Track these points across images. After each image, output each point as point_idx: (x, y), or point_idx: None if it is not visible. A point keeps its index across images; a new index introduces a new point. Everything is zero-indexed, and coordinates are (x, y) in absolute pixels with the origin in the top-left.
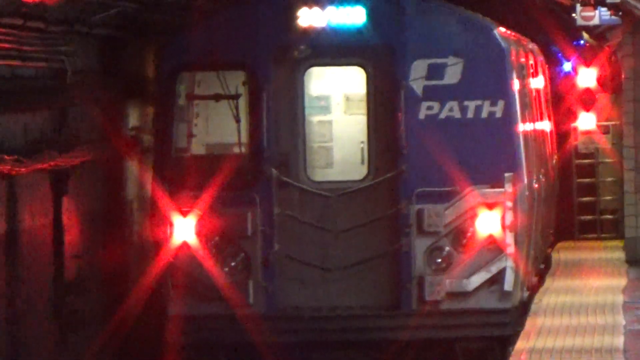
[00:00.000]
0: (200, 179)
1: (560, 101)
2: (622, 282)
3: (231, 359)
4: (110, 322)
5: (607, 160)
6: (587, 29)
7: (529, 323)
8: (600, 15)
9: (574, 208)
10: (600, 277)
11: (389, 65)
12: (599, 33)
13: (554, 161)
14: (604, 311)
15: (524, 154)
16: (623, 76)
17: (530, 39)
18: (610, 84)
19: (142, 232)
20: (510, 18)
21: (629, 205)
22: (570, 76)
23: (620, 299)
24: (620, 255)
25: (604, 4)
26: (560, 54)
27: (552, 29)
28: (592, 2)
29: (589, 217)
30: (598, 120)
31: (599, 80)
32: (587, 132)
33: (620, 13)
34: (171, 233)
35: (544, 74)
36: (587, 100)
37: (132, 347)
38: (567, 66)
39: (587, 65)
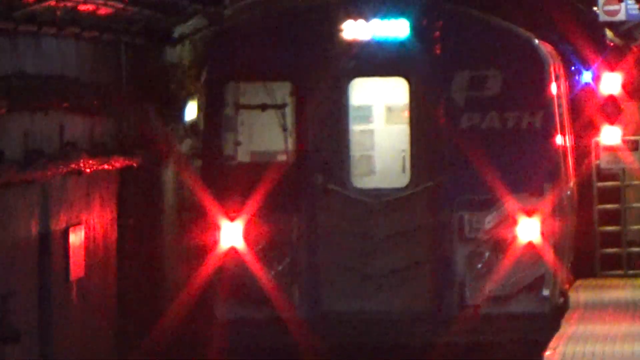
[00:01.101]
0: (247, 186)
1: (579, 112)
2: None
3: None
4: (160, 324)
5: (636, 182)
6: (612, 25)
7: None
8: (627, 10)
9: (596, 239)
10: (626, 322)
11: (432, 77)
12: (626, 31)
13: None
14: None
15: (562, 164)
16: None
17: (544, 38)
18: (638, 90)
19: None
20: (521, 14)
21: None
22: (591, 82)
23: None
24: None
25: None
26: (579, 56)
27: (570, 26)
28: None
29: (613, 250)
30: (624, 135)
31: (625, 86)
32: (611, 149)
33: None
34: (219, 238)
35: (558, 79)
36: (611, 110)
37: (179, 350)
38: (587, 72)
39: (612, 69)
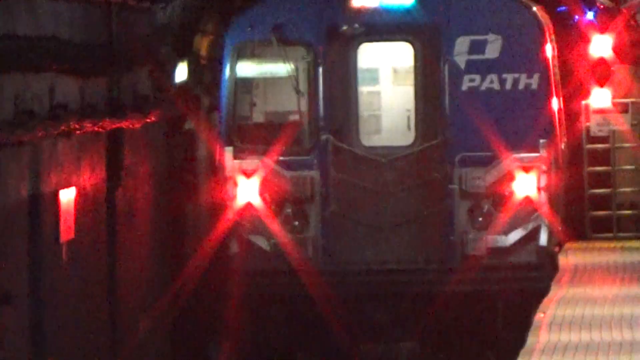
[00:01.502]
0: (262, 144)
1: (570, 74)
2: None
3: (290, 310)
4: (180, 275)
5: (625, 144)
6: None
7: (531, 340)
8: None
9: (585, 202)
10: (616, 285)
11: (435, 42)
12: None
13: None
14: (620, 326)
15: (556, 123)
16: None
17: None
18: (629, 53)
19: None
20: None
21: None
22: (580, 44)
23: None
24: None
25: None
26: (570, 18)
27: None
28: None
29: (603, 212)
30: (614, 97)
31: (615, 49)
32: (601, 111)
33: None
34: (236, 193)
35: (551, 42)
36: (602, 73)
37: (200, 298)
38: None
39: (602, 31)
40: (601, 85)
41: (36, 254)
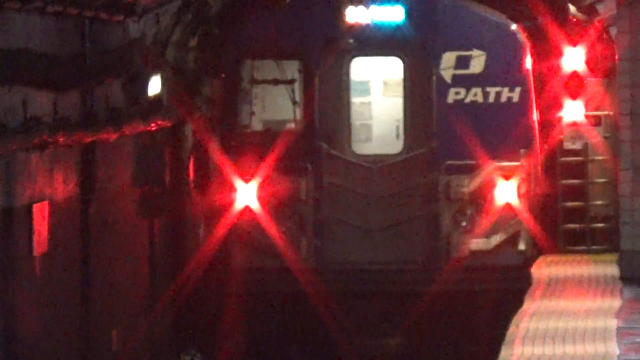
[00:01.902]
0: (260, 151)
1: (543, 87)
2: (616, 303)
3: (284, 306)
4: (182, 273)
5: (598, 157)
6: (575, 0)
7: (505, 353)
8: None
9: (559, 215)
10: (589, 298)
11: (423, 57)
12: (589, 5)
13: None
14: (594, 338)
15: (536, 134)
16: (617, 57)
17: (509, 15)
18: (601, 66)
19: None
20: None
21: (625, 211)
22: (554, 57)
23: (613, 323)
24: (613, 271)
25: None
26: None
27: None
28: None
29: (577, 225)
30: (587, 110)
31: (588, 62)
32: (574, 124)
33: None
34: (235, 197)
35: (530, 57)
36: (574, 86)
37: (200, 294)
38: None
39: (574, 44)
40: (574, 98)
41: (9, 268)
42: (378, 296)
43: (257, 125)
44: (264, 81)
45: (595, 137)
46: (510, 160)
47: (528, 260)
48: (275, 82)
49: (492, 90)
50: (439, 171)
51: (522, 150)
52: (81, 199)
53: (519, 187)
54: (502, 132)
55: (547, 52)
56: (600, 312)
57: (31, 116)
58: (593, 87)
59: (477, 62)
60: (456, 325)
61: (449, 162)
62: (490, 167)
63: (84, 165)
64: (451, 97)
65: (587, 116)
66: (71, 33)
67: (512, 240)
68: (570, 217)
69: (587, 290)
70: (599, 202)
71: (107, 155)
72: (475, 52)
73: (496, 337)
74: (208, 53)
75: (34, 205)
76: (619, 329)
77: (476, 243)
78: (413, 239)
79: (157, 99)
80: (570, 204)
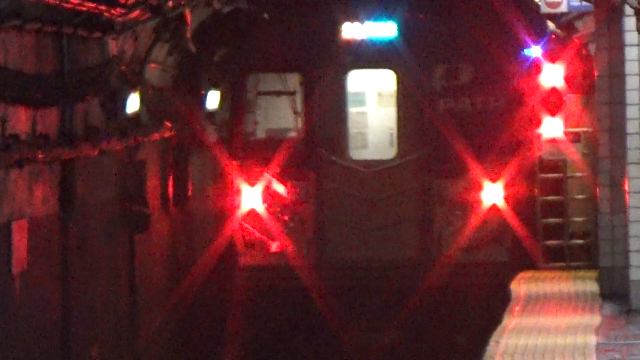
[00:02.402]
0: (264, 157)
1: (522, 103)
2: (595, 319)
3: (287, 301)
4: (193, 269)
5: (577, 174)
6: (553, 17)
7: None
8: (568, 1)
9: (538, 231)
10: (569, 314)
11: (415, 69)
12: (567, 22)
13: None
14: (573, 355)
15: (521, 141)
16: (596, 74)
17: (488, 29)
18: (580, 83)
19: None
20: (465, 5)
21: (604, 228)
22: (532, 73)
23: (592, 340)
24: (593, 287)
25: None
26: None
27: (512, 17)
28: None
29: (556, 242)
30: (566, 127)
31: (567, 78)
32: (553, 141)
33: None
34: (242, 200)
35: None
36: (553, 102)
37: (209, 290)
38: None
39: (553, 60)
40: (553, 115)
41: None
42: (374, 291)
43: (261, 133)
44: (267, 92)
45: (574, 153)
46: (496, 165)
47: (514, 257)
48: (278, 93)
49: (479, 100)
50: (430, 175)
51: (507, 156)
52: (61, 216)
53: (504, 190)
54: (488, 138)
55: (526, 68)
56: (579, 328)
57: (10, 134)
58: (572, 104)
59: (465, 74)
60: (447, 318)
61: (440, 166)
62: (478, 171)
63: (64, 182)
64: (441, 106)
65: (566, 133)
66: (49, 50)
67: (499, 238)
68: (550, 233)
69: (566, 307)
70: (578, 219)
71: (86, 171)
72: (463, 65)
73: (484, 328)
74: (185, 70)
75: (13, 223)
76: (598, 345)
77: (465, 241)
78: (406, 238)
79: (136, 116)
80: (549, 220)
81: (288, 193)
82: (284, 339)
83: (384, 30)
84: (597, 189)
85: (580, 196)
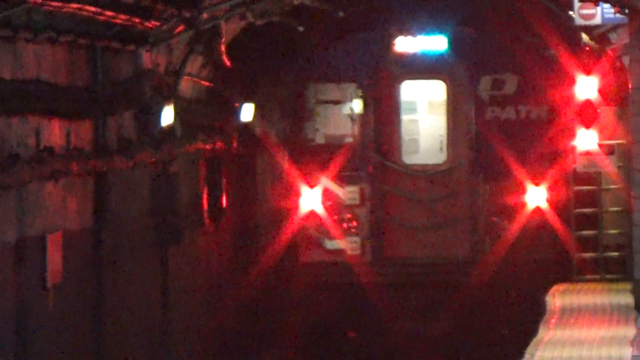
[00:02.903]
0: (323, 162)
1: (557, 115)
2: (630, 332)
3: (344, 294)
4: (258, 266)
5: (612, 186)
6: (587, 29)
7: None
8: (602, 13)
9: (572, 244)
10: (604, 326)
11: (463, 80)
12: (601, 34)
13: None
14: None
15: (562, 147)
16: (630, 86)
17: (523, 42)
18: (614, 95)
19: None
20: (498, 18)
21: (639, 240)
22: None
23: (628, 352)
24: (627, 299)
25: (606, 0)
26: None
27: (546, 30)
28: None
29: (590, 254)
30: (600, 139)
31: (601, 90)
32: (587, 153)
33: (627, 10)
34: (302, 201)
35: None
36: (588, 115)
37: (272, 285)
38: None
39: (587, 73)
40: (587, 127)
41: (22, 299)
42: (424, 287)
43: (320, 139)
44: (326, 101)
45: (608, 166)
46: (539, 169)
47: (557, 255)
48: (336, 102)
49: (524, 109)
50: (476, 179)
51: (549, 161)
52: (94, 229)
53: (547, 193)
54: (532, 144)
55: (561, 80)
56: (614, 340)
57: (44, 146)
58: (606, 116)
59: (510, 84)
60: (492, 312)
61: (486, 170)
62: (522, 175)
63: (97, 195)
64: (488, 114)
65: (600, 145)
66: (83, 63)
67: (543, 237)
68: (584, 246)
69: (601, 319)
70: (612, 231)
71: (120, 184)
72: (509, 76)
73: (527, 321)
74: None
75: (48, 236)
76: (634, 357)
77: (510, 241)
78: (455, 237)
79: (170, 128)
80: (584, 232)
81: (345, 195)
82: (340, 330)
83: (435, 43)
84: (632, 201)
85: (614, 209)
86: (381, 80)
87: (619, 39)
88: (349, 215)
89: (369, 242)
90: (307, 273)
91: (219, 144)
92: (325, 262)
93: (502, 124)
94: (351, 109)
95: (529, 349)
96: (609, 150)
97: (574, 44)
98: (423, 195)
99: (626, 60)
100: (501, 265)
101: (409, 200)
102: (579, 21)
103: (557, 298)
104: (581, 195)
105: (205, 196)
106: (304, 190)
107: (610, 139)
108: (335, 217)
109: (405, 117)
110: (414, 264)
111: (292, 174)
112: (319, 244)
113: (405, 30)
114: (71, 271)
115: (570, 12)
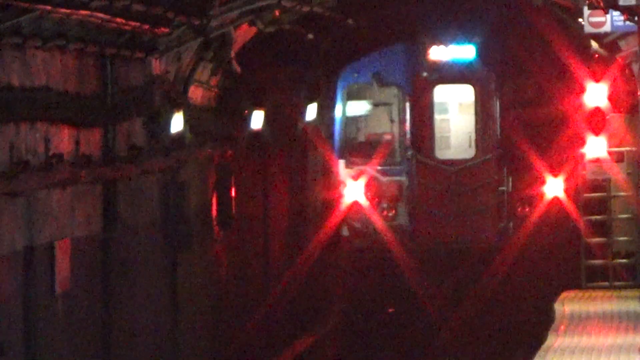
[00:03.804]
0: (365, 157)
1: (567, 122)
2: (639, 339)
3: (385, 276)
4: (304, 253)
5: (621, 193)
6: (597, 37)
7: None
8: (612, 21)
9: (582, 251)
10: (612, 333)
11: (489, 84)
12: (611, 42)
13: None
14: None
15: (577, 143)
16: (639, 93)
17: (534, 50)
18: (624, 102)
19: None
20: (517, 30)
21: None
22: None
23: (636, 359)
24: (636, 307)
25: (616, 7)
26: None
27: (556, 38)
28: (601, 4)
29: (600, 261)
30: (609, 146)
31: (610, 98)
32: (597, 160)
33: (636, 18)
34: (346, 192)
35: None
36: (597, 122)
37: (318, 271)
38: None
39: (597, 80)
40: (596, 134)
41: (31, 306)
42: (457, 270)
43: (362, 136)
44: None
45: (617, 173)
46: (557, 162)
47: (574, 238)
48: (377, 104)
49: (544, 111)
50: (501, 172)
51: (565, 155)
52: (103, 236)
53: (564, 183)
54: (551, 142)
55: (570, 87)
56: (623, 347)
57: (53, 153)
58: (615, 123)
59: (532, 89)
60: (518, 293)
61: (510, 164)
62: (542, 167)
63: (106, 202)
64: (512, 115)
65: (609, 152)
66: (92, 70)
67: (560, 223)
68: (593, 253)
69: (610, 326)
70: (622, 238)
71: (129, 191)
72: (530, 81)
73: (548, 299)
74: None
75: (56, 243)
76: None
77: (532, 227)
78: (482, 224)
79: (179, 136)
80: (593, 239)
81: (385, 187)
82: (379, 308)
83: (465, 52)
84: None
85: (624, 216)
86: (417, 84)
87: (629, 46)
88: (388, 205)
89: (407, 229)
90: (351, 258)
91: (228, 151)
92: (367, 248)
93: (525, 123)
94: (390, 110)
95: (538, 355)
96: (618, 158)
97: (584, 52)
98: (454, 187)
99: (635, 67)
100: (524, 248)
101: (442, 191)
102: (588, 29)
103: (566, 305)
104: (590, 203)
105: (214, 203)
106: (348, 182)
107: (619, 146)
108: (376, 207)
109: (438, 117)
110: (447, 249)
111: (337, 168)
112: (361, 231)
113: (438, 41)
114: (80, 278)
115: (580, 20)
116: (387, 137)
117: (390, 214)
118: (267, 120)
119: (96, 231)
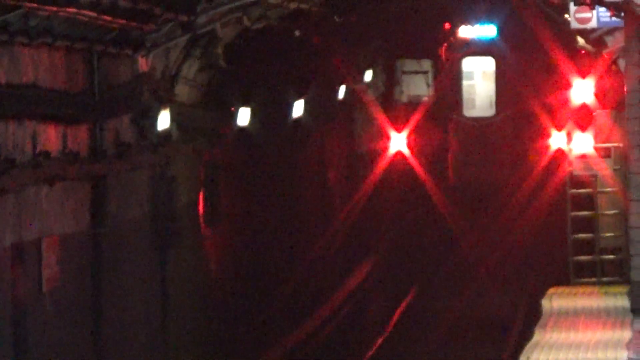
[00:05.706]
0: (407, 115)
1: (552, 119)
2: (626, 334)
3: (425, 212)
4: (360, 191)
5: (608, 189)
6: (583, 32)
7: None
8: (598, 17)
9: (569, 247)
10: (600, 329)
11: (507, 57)
12: (597, 37)
13: None
14: None
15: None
16: (626, 89)
17: (522, 45)
18: (610, 98)
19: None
20: (522, 10)
21: (635, 243)
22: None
23: (624, 355)
24: (623, 302)
25: (602, 3)
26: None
27: (543, 33)
28: (587, 0)
29: (587, 257)
30: (596, 142)
31: (597, 94)
32: (583, 156)
33: (622, 14)
34: (392, 144)
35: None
36: (583, 117)
37: (371, 205)
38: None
39: (583, 76)
40: (583, 130)
41: (20, 302)
42: (485, 205)
43: (404, 98)
44: (409, 72)
45: (604, 169)
46: (560, 118)
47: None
48: (416, 72)
49: (550, 79)
50: (516, 125)
51: (568, 111)
52: (92, 233)
53: (566, 137)
54: (556, 101)
55: (556, 84)
56: (610, 343)
57: (40, 150)
58: (602, 119)
59: (543, 60)
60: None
61: (522, 119)
62: (547, 123)
63: (95, 199)
64: (524, 81)
65: (596, 148)
66: (80, 67)
67: (561, 169)
68: (580, 249)
69: (597, 322)
70: (608, 234)
71: (118, 188)
72: (541, 55)
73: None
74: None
75: (44, 239)
76: None
77: (539, 169)
78: (505, 165)
79: (167, 133)
80: (580, 235)
81: (424, 139)
82: (419, 239)
83: (488, 30)
84: (628, 204)
85: (610, 211)
86: (448, 56)
87: (615, 42)
88: (427, 153)
89: (443, 172)
90: (396, 196)
91: (216, 148)
92: (409, 189)
93: (535, 87)
94: (427, 77)
95: (525, 352)
96: (605, 153)
97: (570, 47)
98: (479, 140)
99: (622, 63)
100: (534, 184)
101: (470, 142)
102: (575, 25)
103: (553, 301)
104: (577, 198)
105: (202, 200)
106: (393, 135)
107: (606, 142)
108: (417, 156)
109: (465, 83)
110: (476, 186)
111: (385, 124)
112: (403, 177)
113: (466, 21)
114: (69, 274)
115: (566, 16)
116: (424, 99)
117: (429, 161)
118: (255, 115)
119: (85, 227)
